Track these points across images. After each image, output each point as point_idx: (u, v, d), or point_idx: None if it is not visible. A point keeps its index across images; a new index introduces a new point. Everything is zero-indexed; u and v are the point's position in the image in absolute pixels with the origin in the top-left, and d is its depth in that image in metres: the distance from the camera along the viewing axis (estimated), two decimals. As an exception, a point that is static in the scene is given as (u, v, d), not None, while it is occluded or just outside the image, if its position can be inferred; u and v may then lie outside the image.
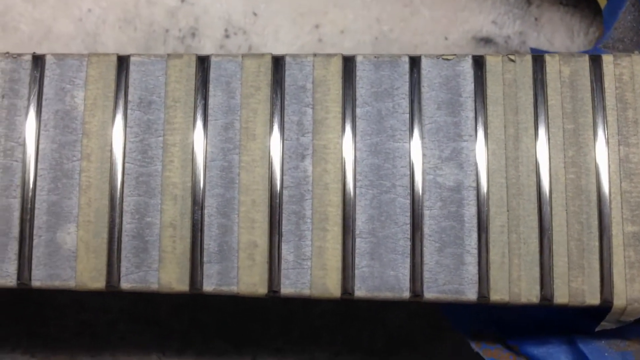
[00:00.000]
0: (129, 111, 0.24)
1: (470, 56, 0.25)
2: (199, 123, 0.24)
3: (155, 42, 0.41)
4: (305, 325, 0.39)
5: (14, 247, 0.24)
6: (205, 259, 0.24)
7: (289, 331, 0.39)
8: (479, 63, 0.25)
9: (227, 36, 0.41)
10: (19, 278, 0.24)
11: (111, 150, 0.24)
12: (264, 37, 0.41)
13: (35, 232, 0.24)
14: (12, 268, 0.24)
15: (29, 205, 0.24)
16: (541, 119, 0.24)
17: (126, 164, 0.24)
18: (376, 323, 0.39)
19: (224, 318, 0.39)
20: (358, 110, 0.24)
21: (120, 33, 0.41)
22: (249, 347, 0.39)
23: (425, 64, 0.25)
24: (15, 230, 0.24)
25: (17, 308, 0.39)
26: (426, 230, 0.24)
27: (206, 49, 0.40)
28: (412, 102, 0.24)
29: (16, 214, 0.24)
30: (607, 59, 0.24)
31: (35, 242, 0.24)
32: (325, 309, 0.39)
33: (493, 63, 0.25)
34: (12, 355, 0.39)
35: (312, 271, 0.24)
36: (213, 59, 0.25)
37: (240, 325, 0.39)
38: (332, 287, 0.24)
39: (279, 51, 0.40)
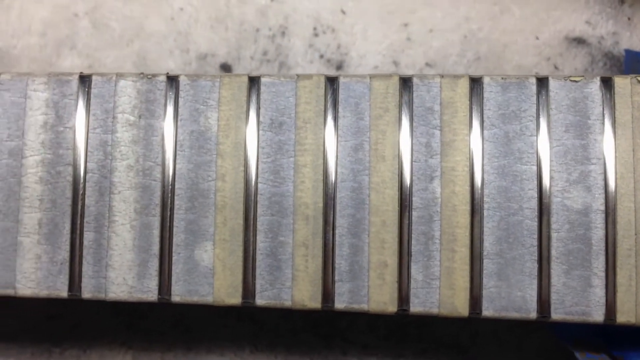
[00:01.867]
0: (260, 132, 0.25)
1: (598, 78, 0.25)
2: (329, 144, 0.25)
3: (246, 41, 0.41)
4: (392, 322, 0.40)
5: (154, 263, 0.25)
6: (336, 277, 0.25)
7: (376, 328, 0.40)
8: (607, 84, 0.25)
9: (316, 34, 0.41)
10: (159, 293, 0.25)
11: (245, 171, 0.25)
12: (353, 36, 0.41)
13: (174, 249, 0.25)
14: (153, 284, 0.25)
15: (168, 224, 0.25)
16: (670, 142, 0.24)
17: (259, 184, 0.25)
18: (462, 320, 0.40)
19: (312, 314, 0.40)
20: (486, 133, 0.25)
21: (211, 32, 0.42)
22: (337, 342, 0.40)
23: (553, 85, 0.25)
24: (156, 248, 0.25)
25: (115, 302, 0.40)
26: (553, 252, 0.24)
27: (296, 47, 0.41)
28: (539, 124, 0.25)
29: (156, 232, 0.25)
30: None
31: (174, 259, 0.25)
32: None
33: (621, 85, 0.25)
34: (110, 346, 0.41)
35: (441, 290, 0.24)
36: (342, 80, 0.25)
37: (328, 321, 0.40)
38: (460, 306, 0.24)
39: (366, 49, 0.40)
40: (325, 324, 0.40)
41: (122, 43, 0.42)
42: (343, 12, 0.41)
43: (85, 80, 0.25)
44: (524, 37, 0.40)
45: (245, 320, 0.40)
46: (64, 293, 0.24)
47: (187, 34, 0.42)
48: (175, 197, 0.25)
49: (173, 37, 0.41)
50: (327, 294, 0.24)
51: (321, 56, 0.40)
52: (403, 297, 0.24)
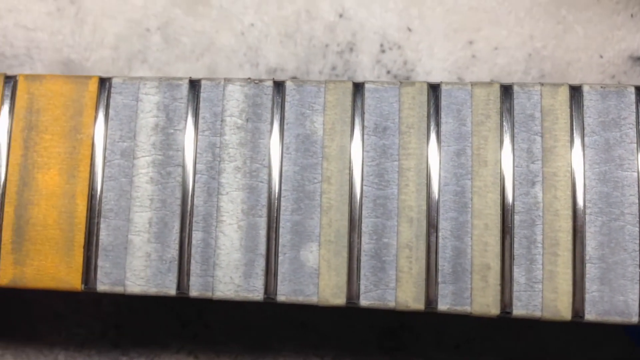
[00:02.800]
0: (365, 136, 0.26)
1: (695, 88, 0.25)
2: (432, 149, 0.25)
3: (315, 56, 0.42)
4: (458, 336, 0.40)
5: (260, 263, 0.25)
6: (440, 279, 0.25)
7: (440, 341, 0.40)
8: (703, 95, 0.25)
9: (382, 51, 0.42)
10: (265, 292, 0.25)
11: (350, 174, 0.25)
12: (419, 52, 0.42)
13: (280, 249, 0.25)
14: (259, 283, 0.25)
15: (274, 224, 0.25)
16: None
17: (364, 187, 0.25)
18: (528, 332, 0.40)
19: (378, 324, 0.40)
20: (586, 139, 0.25)
21: (281, 47, 0.43)
22: (402, 354, 0.40)
23: (651, 94, 0.25)
24: (262, 248, 0.25)
25: (181, 312, 0.40)
26: (655, 257, 0.25)
27: (363, 63, 0.41)
28: (639, 132, 0.25)
29: (262, 232, 0.25)
30: None
31: (280, 259, 0.25)
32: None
33: None
34: (177, 356, 0.41)
35: (544, 294, 0.25)
36: (444, 87, 0.26)
37: (392, 332, 0.40)
38: (563, 310, 0.25)
39: (432, 66, 0.41)
40: (390, 335, 0.40)
41: (192, 57, 0.43)
42: (409, 29, 0.42)
43: (194, 84, 0.26)
44: (588, 56, 0.41)
45: (310, 331, 0.40)
46: (172, 291, 0.25)
47: (257, 49, 0.43)
48: (282, 199, 0.25)
49: (243, 52, 0.42)
50: (430, 296, 0.25)
51: (388, 72, 0.41)
52: (506, 300, 0.24)
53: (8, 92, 0.26)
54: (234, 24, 0.43)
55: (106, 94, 0.26)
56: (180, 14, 0.43)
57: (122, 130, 0.26)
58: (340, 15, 0.42)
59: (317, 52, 0.42)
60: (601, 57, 0.41)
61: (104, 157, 0.25)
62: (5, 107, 0.26)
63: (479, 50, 0.42)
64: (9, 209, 0.25)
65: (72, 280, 0.25)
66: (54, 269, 0.25)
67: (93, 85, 0.26)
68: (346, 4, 0.42)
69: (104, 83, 0.26)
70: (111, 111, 0.26)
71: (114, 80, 0.26)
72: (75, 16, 0.42)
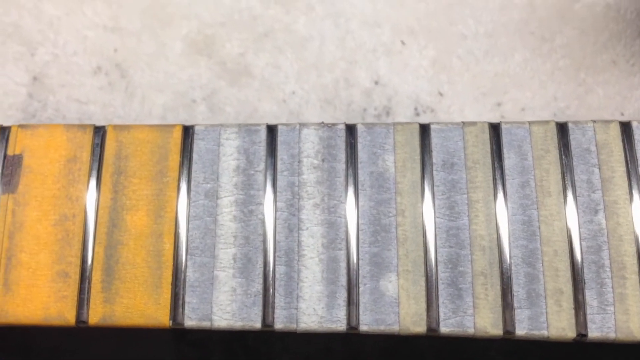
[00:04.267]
0: (434, 172, 0.27)
1: None
2: (498, 182, 0.27)
3: (354, 120, 0.44)
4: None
5: (342, 294, 0.26)
6: (515, 304, 0.26)
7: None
8: None
9: (417, 114, 0.44)
10: (348, 323, 0.26)
11: (422, 207, 0.27)
12: (450, 115, 0.44)
13: (360, 280, 0.26)
14: (342, 314, 0.26)
15: (354, 257, 0.26)
16: None
17: (437, 219, 0.26)
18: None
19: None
20: (640, 169, 0.27)
21: (321, 112, 0.45)
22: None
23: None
24: (343, 279, 0.26)
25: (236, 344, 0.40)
26: None
27: (399, 125, 0.43)
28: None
29: (343, 265, 0.26)
30: None
31: (360, 289, 0.26)
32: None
33: None
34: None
35: (616, 316, 0.25)
36: (504, 126, 0.28)
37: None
38: (636, 330, 0.25)
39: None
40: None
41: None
42: (440, 94, 0.45)
43: (271, 129, 0.27)
44: (609, 113, 0.43)
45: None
46: (257, 324, 0.25)
47: (298, 114, 0.45)
48: (360, 232, 0.26)
49: (285, 117, 0.44)
50: (508, 321, 0.25)
51: (423, 133, 0.43)
52: (580, 323, 0.25)
53: (98, 141, 0.27)
54: (275, 93, 0.45)
55: (189, 140, 0.27)
56: (224, 85, 0.45)
57: (205, 172, 0.27)
58: (376, 82, 0.44)
59: (356, 116, 0.44)
60: (622, 114, 0.43)
61: (189, 198, 0.27)
62: (96, 155, 0.27)
63: (507, 111, 0.44)
64: (99, 250, 0.26)
65: (160, 316, 0.25)
66: (143, 306, 0.26)
67: (177, 133, 0.27)
68: (380, 72, 0.44)
69: (187, 130, 0.27)
70: (194, 155, 0.27)
71: (196, 128, 0.27)
72: (125, 90, 0.45)
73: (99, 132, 0.28)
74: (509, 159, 0.27)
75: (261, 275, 0.26)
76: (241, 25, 0.46)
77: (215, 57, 0.46)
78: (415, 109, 0.45)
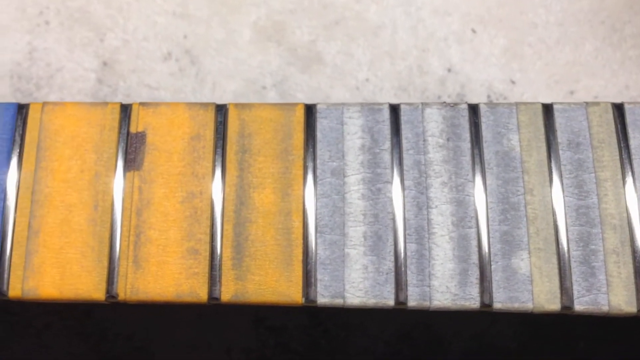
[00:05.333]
0: (560, 151, 0.27)
1: None
2: (625, 161, 0.27)
3: (428, 107, 0.44)
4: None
5: (474, 272, 0.26)
6: (648, 282, 0.26)
7: None
8: None
9: (490, 101, 0.44)
10: (481, 301, 0.26)
11: (550, 186, 0.27)
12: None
13: (492, 258, 0.26)
14: (474, 291, 0.26)
15: (485, 235, 0.26)
16: None
17: (565, 198, 0.26)
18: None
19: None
20: None
21: (395, 99, 0.45)
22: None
23: None
24: (475, 257, 0.26)
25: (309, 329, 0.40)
26: None
27: (473, 113, 0.43)
28: None
29: (474, 243, 0.26)
30: None
31: (492, 267, 0.26)
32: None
33: None
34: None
35: None
36: (627, 106, 0.28)
37: None
38: None
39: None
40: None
41: (307, 112, 0.44)
42: (512, 81, 0.45)
43: (394, 108, 0.27)
44: (682, 102, 0.44)
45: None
46: (390, 302, 0.25)
47: (372, 101, 0.44)
48: (489, 210, 0.26)
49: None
50: (641, 299, 0.25)
51: (497, 121, 0.43)
52: None
53: (220, 119, 0.27)
54: (348, 80, 0.45)
55: (312, 119, 0.27)
56: (295, 72, 0.45)
57: (330, 151, 0.27)
58: (449, 70, 0.44)
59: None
60: (696, 102, 0.43)
61: (315, 176, 0.26)
62: (219, 133, 0.27)
63: (580, 99, 0.44)
64: (227, 227, 0.26)
65: (292, 294, 0.25)
66: (275, 284, 0.25)
67: (300, 111, 0.27)
68: (453, 60, 0.44)
69: (308, 109, 0.27)
70: (318, 134, 0.27)
71: (318, 107, 0.27)
72: (196, 76, 0.44)
73: (221, 110, 0.27)
74: (635, 139, 0.27)
75: (392, 253, 0.26)
76: (311, 13, 0.46)
77: (285, 44, 0.45)
78: (488, 96, 0.45)
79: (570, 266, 0.26)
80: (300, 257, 0.26)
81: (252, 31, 0.45)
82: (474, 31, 0.45)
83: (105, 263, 0.25)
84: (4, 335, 0.41)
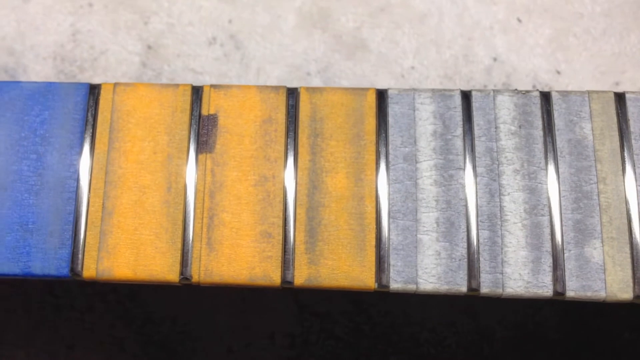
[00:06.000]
0: (632, 141, 0.27)
1: None
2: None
3: (474, 96, 0.44)
4: None
5: (547, 260, 0.26)
6: None
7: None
8: None
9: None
10: (554, 289, 0.26)
11: (623, 175, 0.27)
12: (569, 93, 0.44)
13: (565, 247, 0.26)
14: (547, 279, 0.26)
15: (557, 223, 0.26)
16: None
17: (639, 187, 0.26)
18: None
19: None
20: None
21: (440, 87, 0.45)
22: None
23: None
24: (548, 245, 0.26)
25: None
26: None
27: (519, 103, 0.43)
28: None
29: (546, 230, 0.26)
30: None
31: (565, 255, 0.26)
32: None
33: None
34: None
35: None
36: (695, 97, 0.28)
37: None
38: None
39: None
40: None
41: (351, 99, 0.44)
42: (558, 72, 0.45)
43: (465, 95, 0.27)
44: None
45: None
46: (463, 288, 0.25)
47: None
48: (562, 199, 0.26)
49: (404, 93, 0.44)
50: None
51: (542, 111, 0.43)
52: None
53: (292, 102, 0.27)
54: (393, 67, 0.45)
55: (384, 104, 0.27)
56: (340, 59, 0.45)
57: (402, 136, 0.27)
58: (495, 59, 0.44)
59: (476, 93, 0.44)
60: None
61: (387, 162, 0.26)
62: (291, 116, 0.27)
63: (626, 90, 0.44)
64: (300, 211, 0.26)
65: (365, 279, 0.25)
66: (348, 268, 0.25)
67: (371, 96, 0.27)
68: (498, 49, 0.44)
69: (380, 94, 0.27)
70: (390, 119, 0.27)
71: (389, 92, 0.27)
72: (241, 61, 0.44)
73: (292, 93, 0.27)
74: None
75: (465, 240, 0.26)
76: (356, 0, 0.45)
77: (330, 31, 0.45)
78: (534, 86, 0.44)
79: (644, 255, 0.26)
80: (373, 242, 0.26)
81: (297, 17, 0.45)
82: (519, 20, 0.45)
83: (179, 245, 0.25)
84: (49, 317, 0.41)
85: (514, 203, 0.26)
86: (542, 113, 0.27)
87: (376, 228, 0.26)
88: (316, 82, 0.45)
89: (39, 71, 0.44)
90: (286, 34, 0.45)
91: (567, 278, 0.25)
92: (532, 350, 0.40)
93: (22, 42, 0.44)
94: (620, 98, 0.27)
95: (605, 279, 0.25)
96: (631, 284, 0.25)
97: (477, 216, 0.26)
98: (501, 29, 0.45)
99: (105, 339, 0.40)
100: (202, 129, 0.27)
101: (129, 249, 0.25)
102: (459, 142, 0.27)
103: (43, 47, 0.44)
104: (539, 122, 0.27)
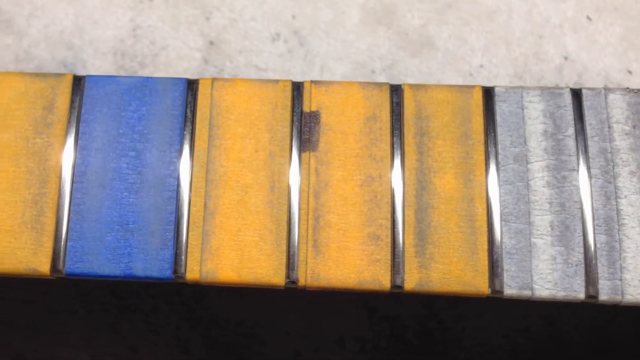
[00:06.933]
0: None
1: None
2: None
3: (545, 96, 0.43)
4: None
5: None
6: None
7: None
8: None
9: None
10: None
11: None
12: (642, 93, 0.43)
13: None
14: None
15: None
16: None
17: None
18: None
19: None
20: None
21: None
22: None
23: None
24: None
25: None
26: None
27: (591, 102, 0.42)
28: None
29: (666, 235, 0.25)
30: None
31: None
32: None
33: None
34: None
35: None
36: None
37: None
38: None
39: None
40: None
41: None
42: (629, 72, 0.44)
43: (576, 93, 0.26)
44: None
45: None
46: (581, 295, 0.24)
47: (487, 89, 0.43)
48: (675, 202, 0.25)
49: (473, 92, 0.43)
50: None
51: (615, 111, 0.42)
52: None
53: (396, 100, 0.26)
54: (461, 65, 0.44)
55: (491, 102, 0.26)
56: (405, 56, 0.44)
57: (511, 136, 0.26)
58: (565, 58, 0.43)
59: (547, 92, 0.43)
60: None
61: (497, 162, 0.26)
62: (395, 114, 0.26)
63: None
64: (409, 212, 0.25)
65: (478, 284, 0.24)
66: (459, 273, 0.24)
67: (477, 94, 0.26)
68: (569, 48, 0.43)
69: (486, 92, 0.26)
70: (498, 118, 0.26)
71: (496, 89, 0.26)
72: (305, 58, 0.43)
73: (395, 90, 0.26)
74: None
75: (581, 244, 0.25)
76: (421, -5, 0.44)
77: (395, 27, 0.44)
78: (605, 85, 0.43)
79: None
80: (485, 246, 0.25)
81: (361, 13, 0.44)
82: (589, 18, 0.44)
83: (284, 247, 0.24)
84: (112, 319, 0.40)
85: (631, 206, 0.25)
86: (655, 112, 0.26)
87: (488, 231, 0.25)
88: (381, 79, 0.44)
89: (99, 66, 0.43)
90: (350, 30, 0.44)
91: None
92: (609, 357, 0.39)
93: (81, 36, 0.44)
94: None
95: None
96: None
97: (594, 219, 0.25)
98: (571, 26, 0.44)
99: (170, 341, 0.39)
100: (304, 127, 0.26)
101: (233, 250, 0.25)
102: (571, 142, 0.26)
103: (102, 41, 0.44)
104: (654, 122, 0.26)
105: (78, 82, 0.26)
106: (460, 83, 0.44)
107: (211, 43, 0.43)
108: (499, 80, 0.44)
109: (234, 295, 0.40)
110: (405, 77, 0.45)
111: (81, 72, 0.43)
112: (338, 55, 0.44)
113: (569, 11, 0.44)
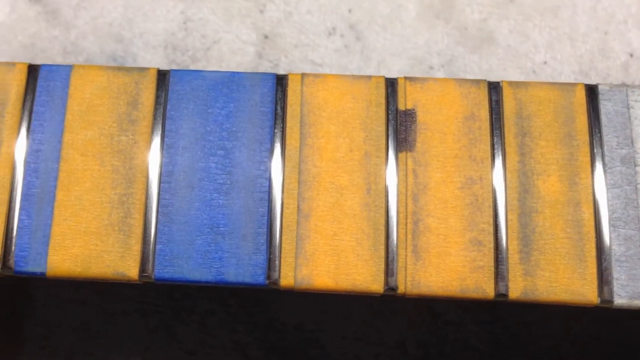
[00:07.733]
0: None
1: None
2: None
3: (612, 94, 0.42)
4: None
5: None
6: None
7: None
8: None
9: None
10: None
11: None
12: None
13: None
14: None
15: None
16: None
17: None
18: None
19: None
20: None
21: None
22: None
23: None
24: None
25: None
26: None
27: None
28: None
29: None
30: None
31: None
32: None
33: None
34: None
35: None
36: None
37: None
38: None
39: None
40: None
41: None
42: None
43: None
44: None
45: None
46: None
47: (551, 86, 0.42)
48: None
49: (536, 89, 0.42)
50: None
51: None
52: None
53: (495, 98, 0.25)
54: (523, 62, 0.43)
55: (596, 101, 0.25)
56: (464, 52, 0.43)
57: (618, 137, 0.25)
58: (631, 55, 0.42)
59: (614, 90, 0.42)
60: None
61: (604, 164, 0.24)
62: (495, 113, 0.25)
63: None
64: (512, 217, 0.24)
65: (587, 293, 0.23)
66: (567, 281, 0.23)
67: (580, 92, 0.25)
68: (634, 44, 0.42)
69: (589, 90, 0.25)
70: (603, 118, 0.25)
71: (600, 87, 0.25)
72: (361, 53, 0.42)
73: (494, 88, 0.25)
74: None
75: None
76: (481, -11, 0.43)
77: (454, 22, 0.43)
78: (670, 84, 0.42)
79: None
80: (593, 253, 0.23)
81: (419, 7, 0.43)
82: (654, 14, 0.43)
83: (382, 252, 0.23)
84: (167, 321, 0.39)
85: None
86: None
87: (596, 237, 0.24)
88: (439, 76, 0.42)
89: (149, 60, 0.42)
90: (407, 24, 0.43)
91: None
92: (681, 366, 0.38)
93: (130, 29, 0.43)
94: None
95: None
96: None
97: None
98: (635, 23, 0.42)
99: (227, 345, 0.38)
100: (400, 125, 0.25)
101: (329, 255, 0.23)
102: None
103: (152, 35, 0.43)
104: None
105: (162, 77, 0.24)
106: (523, 79, 0.43)
107: (265, 37, 0.42)
108: (563, 78, 0.42)
109: (292, 298, 0.39)
110: (464, 73, 0.43)
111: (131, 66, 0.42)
112: (395, 50, 0.43)
113: (632, 7, 0.43)
